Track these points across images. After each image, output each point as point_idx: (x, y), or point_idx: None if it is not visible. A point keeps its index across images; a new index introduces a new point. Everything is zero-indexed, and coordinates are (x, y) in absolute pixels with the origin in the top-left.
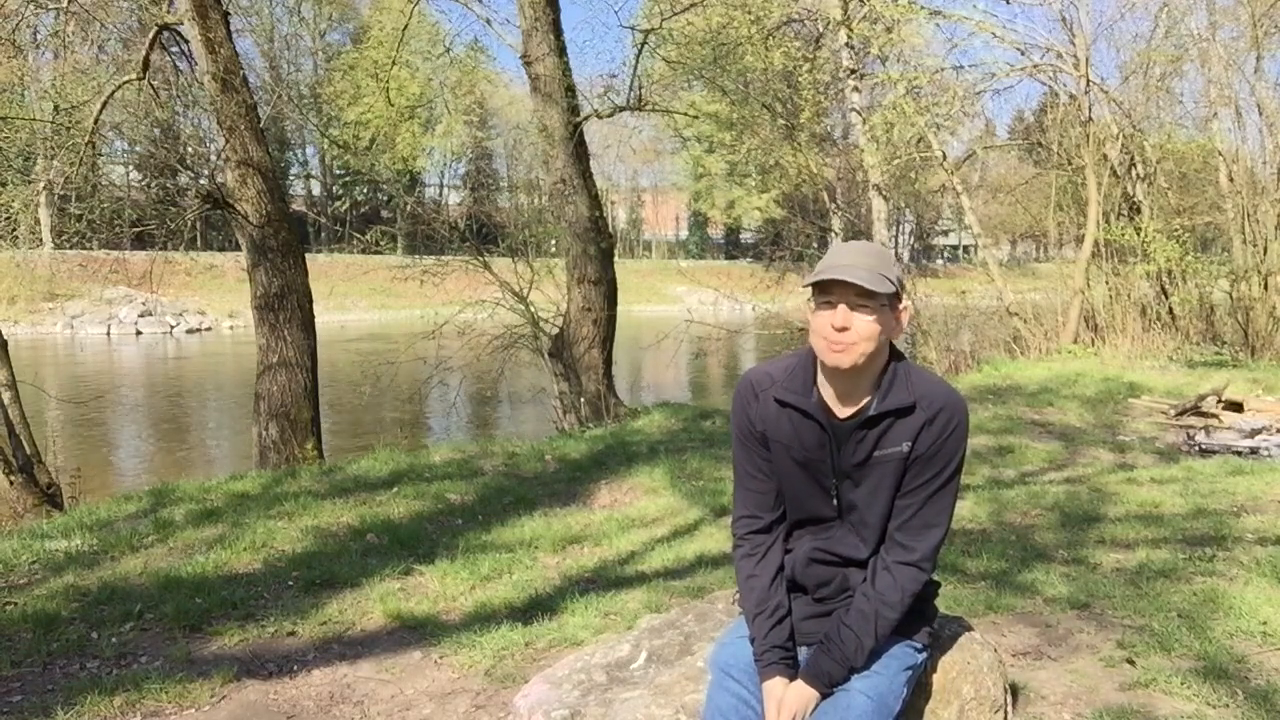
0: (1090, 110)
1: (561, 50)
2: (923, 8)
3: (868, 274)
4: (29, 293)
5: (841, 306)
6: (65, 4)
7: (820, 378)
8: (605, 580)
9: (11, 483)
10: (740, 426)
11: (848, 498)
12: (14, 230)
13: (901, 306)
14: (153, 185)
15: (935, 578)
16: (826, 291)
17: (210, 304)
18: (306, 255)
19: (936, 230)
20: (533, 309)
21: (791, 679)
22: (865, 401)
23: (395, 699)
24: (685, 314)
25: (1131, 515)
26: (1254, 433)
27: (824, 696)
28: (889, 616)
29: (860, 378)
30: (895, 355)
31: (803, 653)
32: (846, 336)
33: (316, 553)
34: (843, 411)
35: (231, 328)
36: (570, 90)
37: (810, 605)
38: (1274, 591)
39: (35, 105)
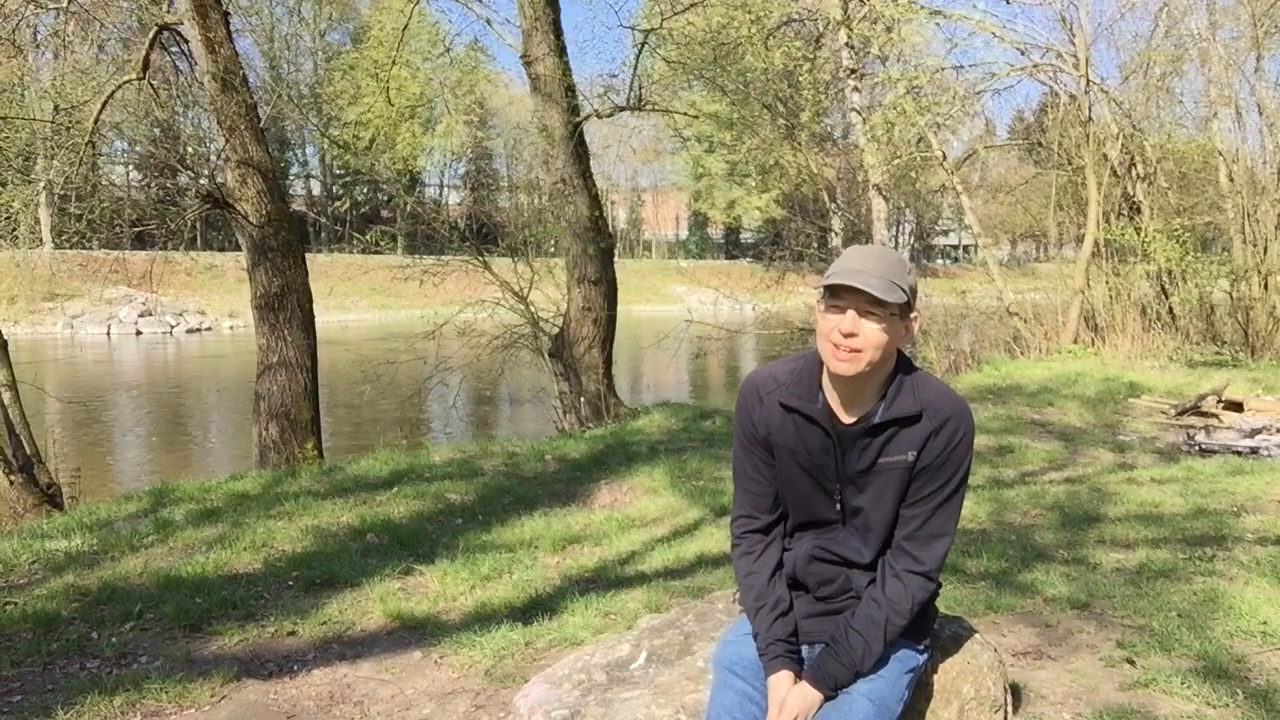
0: (1090, 110)
1: (561, 50)
2: (923, 8)
3: (880, 282)
4: (29, 293)
5: (850, 312)
6: (65, 4)
7: (826, 382)
8: (605, 580)
9: (11, 483)
10: (743, 428)
11: (851, 503)
12: (14, 230)
13: (912, 316)
14: (153, 185)
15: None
16: (837, 295)
17: (210, 304)
18: (306, 255)
19: (936, 230)
20: (533, 309)
21: (797, 673)
22: (871, 408)
23: (395, 699)
24: (685, 314)
25: (1131, 515)
26: (1254, 432)
27: (828, 699)
28: (898, 624)
29: (865, 384)
30: (903, 362)
31: (804, 651)
32: (853, 343)
33: (316, 553)
34: (848, 417)
35: (231, 328)
36: (570, 90)
37: (811, 604)
38: (1274, 591)
39: (35, 105)
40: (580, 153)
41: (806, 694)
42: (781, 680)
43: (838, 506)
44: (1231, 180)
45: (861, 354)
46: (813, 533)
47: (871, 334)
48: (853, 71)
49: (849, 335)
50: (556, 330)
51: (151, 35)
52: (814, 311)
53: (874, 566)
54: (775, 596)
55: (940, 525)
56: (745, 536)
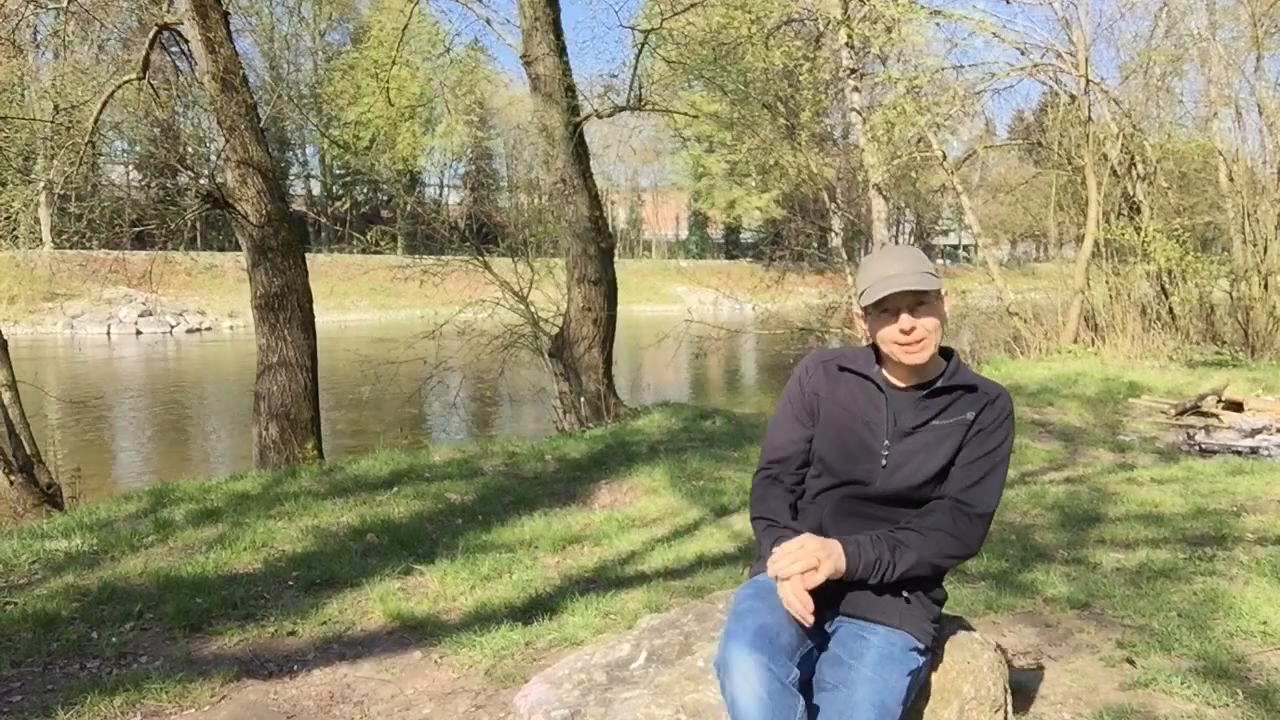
0: (1090, 110)
1: (561, 50)
2: (923, 7)
3: (916, 276)
4: (29, 293)
5: (904, 315)
6: (65, 4)
7: (884, 364)
8: (605, 580)
9: (11, 483)
10: (790, 392)
11: (896, 458)
12: (14, 230)
13: (944, 293)
14: (153, 185)
15: (941, 584)
16: (883, 304)
17: (210, 304)
18: (306, 255)
19: (936, 230)
20: (533, 309)
21: None
22: (927, 380)
23: (395, 699)
24: (685, 314)
25: (1132, 515)
26: (1254, 432)
27: (841, 583)
28: (930, 547)
29: (925, 365)
30: (948, 350)
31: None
32: (916, 335)
33: (316, 553)
34: (902, 384)
35: (231, 328)
36: (570, 90)
37: None
38: (1274, 591)
39: (35, 105)
40: (580, 153)
41: (831, 547)
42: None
43: (881, 463)
44: (1231, 180)
45: (926, 341)
46: (843, 489)
47: (927, 321)
48: (853, 71)
49: (910, 330)
50: (556, 330)
51: (151, 35)
52: (858, 321)
53: (900, 519)
54: (791, 522)
55: (992, 484)
56: (764, 482)
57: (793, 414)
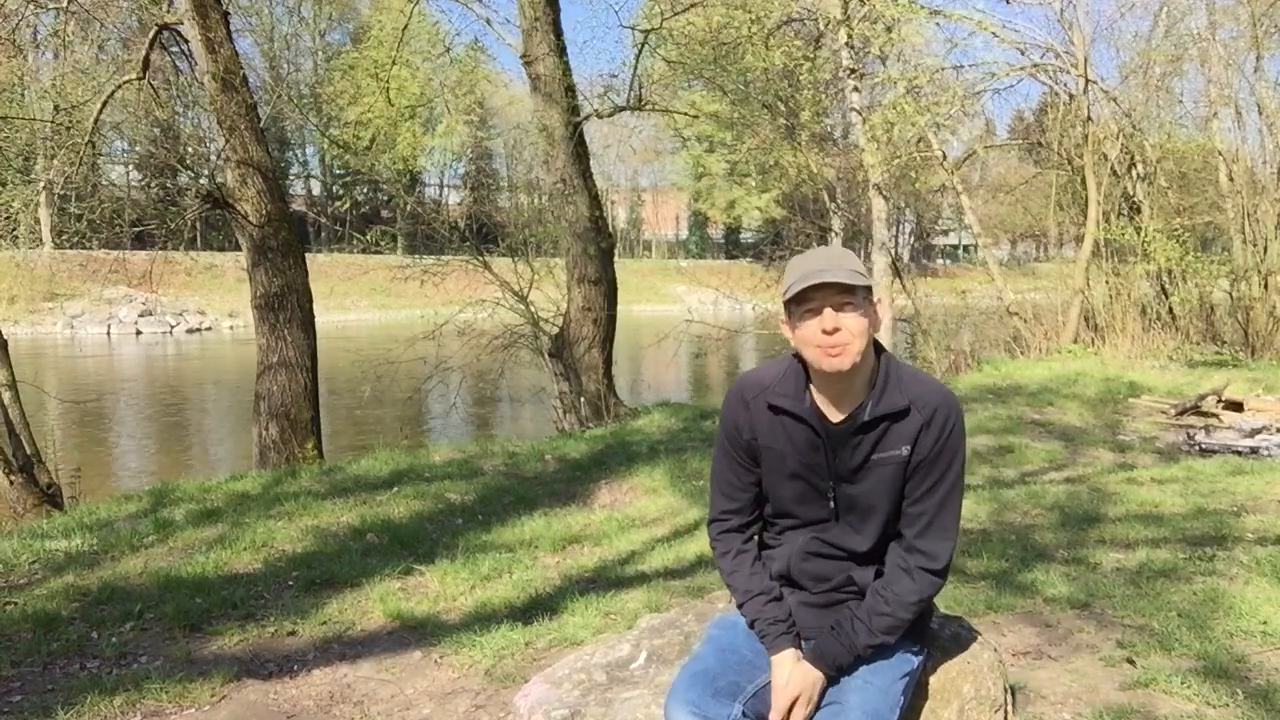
0: (1090, 110)
1: (561, 50)
2: (923, 7)
3: (843, 271)
4: (29, 293)
5: (827, 310)
6: (65, 4)
7: (813, 384)
8: (605, 580)
9: (11, 483)
10: (727, 433)
11: (845, 500)
12: (14, 230)
13: (876, 300)
14: (153, 185)
15: None
16: (807, 300)
17: (210, 304)
18: (306, 255)
19: (936, 230)
20: (533, 309)
21: (798, 651)
22: (859, 404)
23: (395, 699)
24: (685, 314)
25: (1132, 515)
26: (1254, 432)
27: (830, 681)
28: (904, 618)
29: (854, 378)
30: (881, 352)
31: (801, 646)
32: (840, 337)
33: (316, 553)
34: (837, 415)
35: (231, 328)
36: (570, 90)
37: (809, 599)
38: (1274, 591)
39: (35, 105)
40: (580, 153)
41: (808, 673)
42: (785, 659)
43: (830, 504)
44: (1231, 180)
45: (850, 344)
46: (805, 530)
47: (853, 322)
48: (853, 71)
49: (833, 331)
50: (556, 330)
51: (151, 35)
52: (783, 328)
53: (872, 558)
54: (764, 585)
55: (948, 521)
56: (722, 538)
57: (735, 459)
